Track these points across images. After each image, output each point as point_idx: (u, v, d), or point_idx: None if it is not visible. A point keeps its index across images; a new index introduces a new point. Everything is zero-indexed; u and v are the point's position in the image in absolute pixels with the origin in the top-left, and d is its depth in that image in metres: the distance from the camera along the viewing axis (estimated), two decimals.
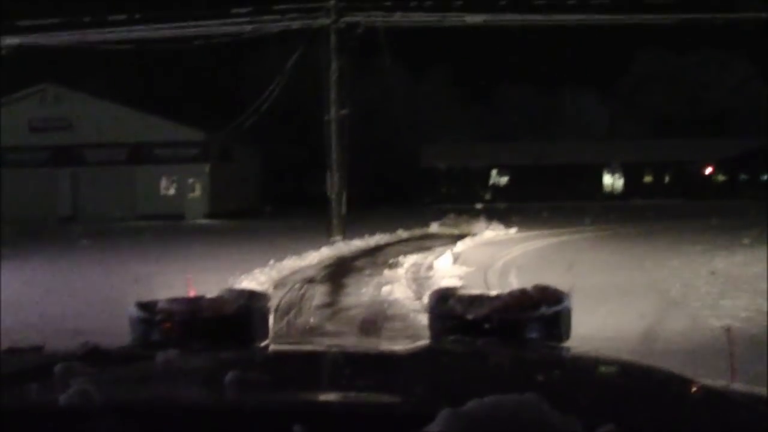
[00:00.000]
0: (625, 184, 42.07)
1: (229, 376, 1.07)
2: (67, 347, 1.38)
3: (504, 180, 43.02)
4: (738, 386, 1.28)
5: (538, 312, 1.55)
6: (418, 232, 20.59)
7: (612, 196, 41.61)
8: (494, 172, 42.76)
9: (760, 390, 1.22)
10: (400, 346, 1.82)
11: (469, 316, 1.56)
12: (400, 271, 12.40)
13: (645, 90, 57.49)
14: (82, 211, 32.35)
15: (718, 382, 1.31)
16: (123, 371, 1.33)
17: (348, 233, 18.50)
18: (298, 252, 14.26)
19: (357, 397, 1.14)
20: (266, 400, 1.09)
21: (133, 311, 1.55)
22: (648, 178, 41.90)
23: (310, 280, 11.97)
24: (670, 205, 34.94)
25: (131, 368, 1.35)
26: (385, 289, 10.68)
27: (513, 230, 21.26)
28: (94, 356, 1.29)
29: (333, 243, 16.66)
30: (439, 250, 15.38)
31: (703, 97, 54.13)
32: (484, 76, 56.47)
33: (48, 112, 32.39)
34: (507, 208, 34.78)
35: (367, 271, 12.92)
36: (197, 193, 32.87)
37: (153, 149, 32.64)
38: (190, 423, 0.96)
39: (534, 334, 1.56)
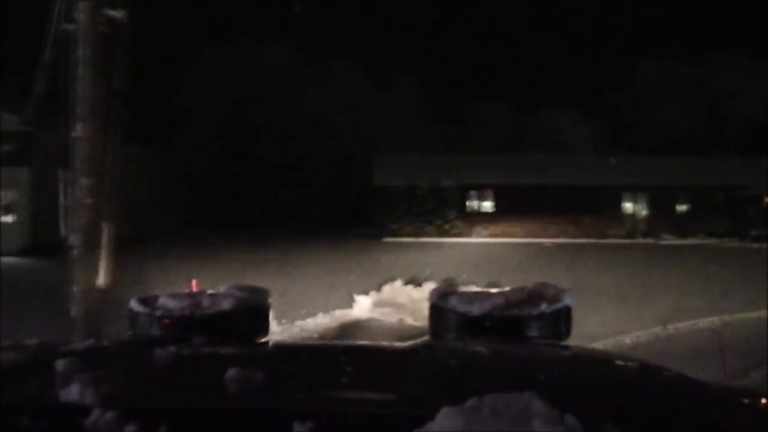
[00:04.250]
0: (651, 216, 30.78)
1: (230, 372, 1.07)
2: (68, 342, 1.34)
3: (486, 204, 31.62)
4: (736, 385, 1.35)
5: (538, 310, 1.56)
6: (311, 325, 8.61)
7: (634, 230, 30.44)
8: (472, 193, 31.41)
9: (758, 389, 1.25)
10: (401, 343, 1.73)
11: (470, 314, 1.57)
12: None
13: (652, 103, 47.38)
14: None
15: (717, 381, 1.31)
16: (123, 367, 1.29)
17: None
18: None
19: (358, 393, 1.14)
20: (267, 397, 1.08)
21: (134, 306, 1.57)
22: (681, 208, 30.69)
23: None
24: (738, 249, 24.02)
25: (132, 364, 1.32)
26: None
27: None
28: (95, 352, 1.31)
29: None
30: None
31: (729, 110, 43.86)
32: (458, 89, 47.65)
33: None
34: (499, 247, 23.54)
35: None
36: (12, 215, 20.90)
37: None
38: (190, 419, 0.96)
39: (534, 332, 1.57)
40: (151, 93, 43.02)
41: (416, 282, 9.65)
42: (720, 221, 29.48)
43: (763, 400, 1.22)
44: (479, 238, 30.15)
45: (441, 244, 27.17)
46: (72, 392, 0.95)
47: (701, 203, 30.16)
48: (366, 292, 9.73)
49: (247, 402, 1.03)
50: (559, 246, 26.39)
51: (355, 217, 41.90)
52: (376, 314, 8.76)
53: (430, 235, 30.29)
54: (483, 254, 21.28)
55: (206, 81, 44.92)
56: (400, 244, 26.87)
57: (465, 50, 56.98)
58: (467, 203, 31.41)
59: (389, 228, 30.59)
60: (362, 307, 9.09)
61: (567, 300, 1.59)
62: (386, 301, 9.09)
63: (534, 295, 1.60)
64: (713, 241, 28.12)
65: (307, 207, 45.00)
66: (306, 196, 45.33)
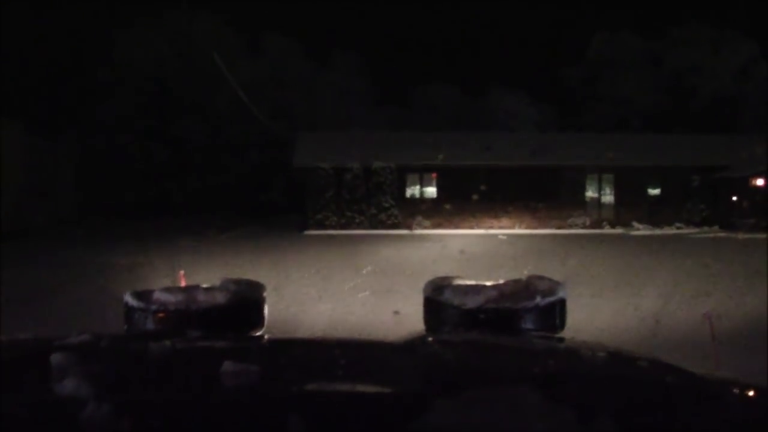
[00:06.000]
0: (619, 202, 26.56)
1: (225, 365, 1.06)
2: (63, 337, 1.33)
3: (428, 190, 26.94)
4: (731, 377, 1.27)
5: (533, 302, 1.52)
6: None
7: (600, 219, 26.24)
8: (411, 177, 26.73)
9: (753, 381, 1.22)
10: (395, 337, 1.62)
11: (465, 306, 1.54)
12: None
13: (610, 80, 43.61)
14: None
15: (712, 373, 1.26)
16: (118, 361, 1.28)
17: None
18: None
19: (352, 387, 1.13)
20: (262, 390, 1.07)
21: (129, 300, 1.54)
22: (652, 192, 26.54)
23: None
24: (729, 241, 19.89)
25: (127, 358, 1.31)
26: None
27: None
28: (90, 346, 1.29)
29: None
30: None
31: (693, 85, 40.27)
32: (404, 70, 43.71)
33: None
34: (444, 241, 18.87)
35: None
36: None
37: None
38: (185, 413, 0.95)
39: (529, 325, 1.54)
40: (68, 69, 37.77)
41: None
42: (698, 208, 25.49)
43: (756, 392, 1.19)
44: (421, 230, 25.52)
45: (374, 237, 22.43)
46: (67, 386, 0.95)
47: (675, 187, 26.08)
48: None
49: (242, 395, 1.01)
50: (516, 238, 22.00)
51: (282, 205, 37.20)
52: None
53: (362, 227, 25.51)
54: (424, 251, 16.65)
55: (126, 55, 39.42)
56: (324, 237, 22.08)
57: (411, 29, 52.79)
58: (406, 189, 26.71)
59: (314, 218, 25.70)
60: None
61: (562, 293, 1.55)
62: None
63: (529, 288, 1.58)
64: (693, 230, 24.10)
65: (231, 193, 40.33)
66: (231, 181, 40.67)
